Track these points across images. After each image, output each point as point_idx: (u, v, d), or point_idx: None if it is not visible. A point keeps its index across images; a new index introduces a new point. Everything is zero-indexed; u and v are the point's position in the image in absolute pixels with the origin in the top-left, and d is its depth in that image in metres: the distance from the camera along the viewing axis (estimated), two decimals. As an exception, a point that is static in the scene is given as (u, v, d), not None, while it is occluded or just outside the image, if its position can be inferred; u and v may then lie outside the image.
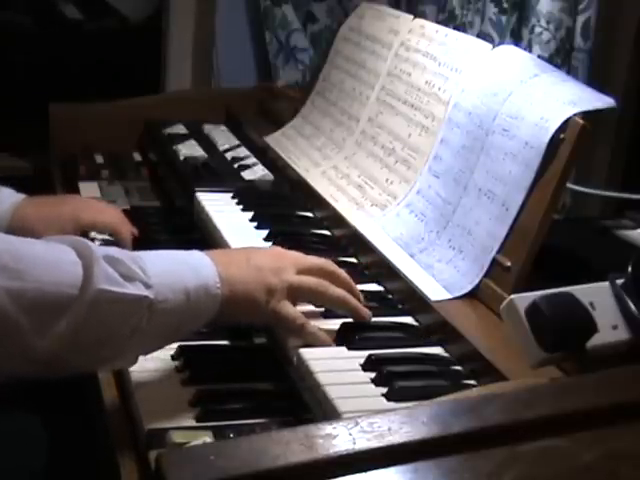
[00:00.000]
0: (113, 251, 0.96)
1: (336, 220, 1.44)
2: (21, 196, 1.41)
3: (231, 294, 1.03)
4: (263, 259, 1.09)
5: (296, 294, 1.09)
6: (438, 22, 2.04)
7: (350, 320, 1.12)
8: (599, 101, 1.16)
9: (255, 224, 1.43)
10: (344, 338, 1.09)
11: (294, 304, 1.09)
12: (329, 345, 1.08)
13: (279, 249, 1.16)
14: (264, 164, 1.71)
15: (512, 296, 0.86)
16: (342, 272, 1.15)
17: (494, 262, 1.15)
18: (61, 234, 1.06)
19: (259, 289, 1.05)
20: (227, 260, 1.06)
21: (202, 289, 1.00)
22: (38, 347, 0.89)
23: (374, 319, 1.15)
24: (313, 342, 1.08)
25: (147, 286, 0.95)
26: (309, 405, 1.02)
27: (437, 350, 1.10)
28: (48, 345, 0.89)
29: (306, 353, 1.04)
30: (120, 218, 1.48)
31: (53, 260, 0.92)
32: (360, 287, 1.18)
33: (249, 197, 1.55)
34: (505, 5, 2.10)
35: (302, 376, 1.03)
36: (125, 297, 0.93)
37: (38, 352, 0.89)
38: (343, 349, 1.07)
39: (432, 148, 1.36)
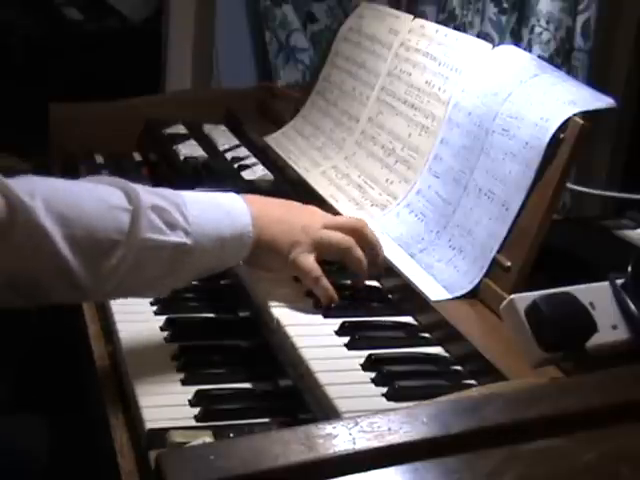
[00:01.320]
0: (160, 200, 1.04)
1: (336, 220, 1.44)
2: None
3: (258, 244, 1.12)
4: (297, 215, 1.18)
5: (320, 249, 1.16)
6: (438, 22, 2.03)
7: (350, 319, 1.12)
8: (599, 101, 1.16)
9: (255, 224, 1.43)
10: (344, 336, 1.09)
11: (318, 259, 1.16)
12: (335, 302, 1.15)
13: (315, 208, 1.24)
14: (264, 164, 1.71)
15: (512, 296, 0.86)
16: (370, 231, 1.21)
17: (494, 262, 1.15)
18: None
19: (285, 242, 1.14)
20: (264, 213, 1.14)
21: (236, 238, 1.09)
22: (83, 279, 1.00)
23: (374, 318, 1.15)
24: (323, 297, 1.14)
25: (187, 233, 1.04)
26: (309, 405, 1.02)
27: (437, 350, 1.10)
28: (93, 279, 1.01)
29: (307, 353, 1.05)
30: None
31: (105, 206, 1.01)
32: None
33: (249, 197, 1.55)
34: (505, 5, 2.10)
35: (302, 376, 1.03)
36: (166, 244, 1.03)
37: (83, 283, 1.00)
38: (343, 349, 1.08)
39: (432, 148, 1.36)
